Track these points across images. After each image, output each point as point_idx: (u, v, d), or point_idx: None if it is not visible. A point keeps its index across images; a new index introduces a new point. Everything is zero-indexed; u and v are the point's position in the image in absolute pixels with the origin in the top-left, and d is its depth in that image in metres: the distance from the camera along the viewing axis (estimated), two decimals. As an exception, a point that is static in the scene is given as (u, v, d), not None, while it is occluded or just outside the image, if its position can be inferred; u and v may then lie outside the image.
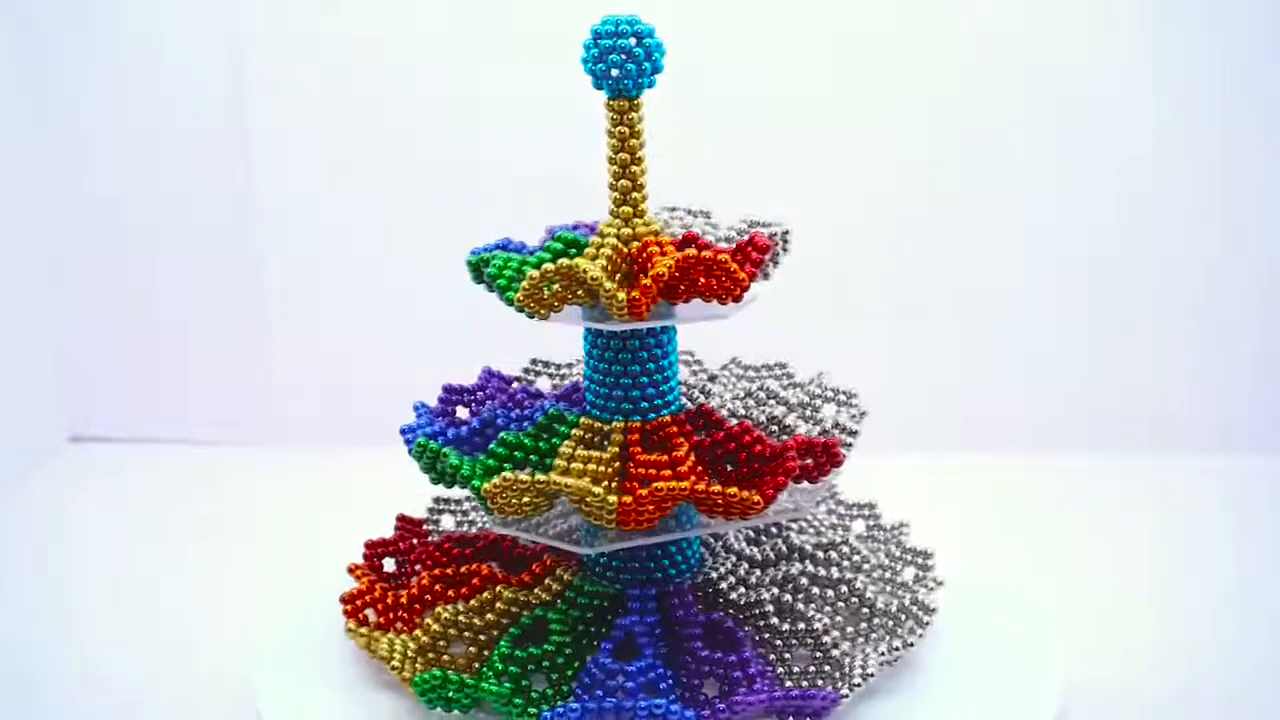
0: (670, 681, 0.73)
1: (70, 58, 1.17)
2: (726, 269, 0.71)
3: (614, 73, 0.72)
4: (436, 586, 0.82)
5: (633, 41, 0.72)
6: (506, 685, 0.74)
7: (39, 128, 1.19)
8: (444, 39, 1.16)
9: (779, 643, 0.76)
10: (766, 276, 0.76)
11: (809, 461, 0.75)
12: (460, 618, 0.78)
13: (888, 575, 0.82)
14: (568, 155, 1.14)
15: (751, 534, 0.84)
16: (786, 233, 0.77)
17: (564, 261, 0.72)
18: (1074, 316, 1.18)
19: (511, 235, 0.80)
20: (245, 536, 1.06)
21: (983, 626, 0.81)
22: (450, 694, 0.73)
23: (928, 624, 0.77)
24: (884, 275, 1.18)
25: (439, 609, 0.79)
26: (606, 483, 0.73)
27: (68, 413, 1.25)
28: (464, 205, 1.17)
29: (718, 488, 0.71)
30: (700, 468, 0.74)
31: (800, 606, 0.77)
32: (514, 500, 0.72)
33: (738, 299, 0.72)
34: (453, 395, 0.83)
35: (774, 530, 0.84)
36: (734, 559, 0.81)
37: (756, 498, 0.71)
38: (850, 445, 0.78)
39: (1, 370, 1.18)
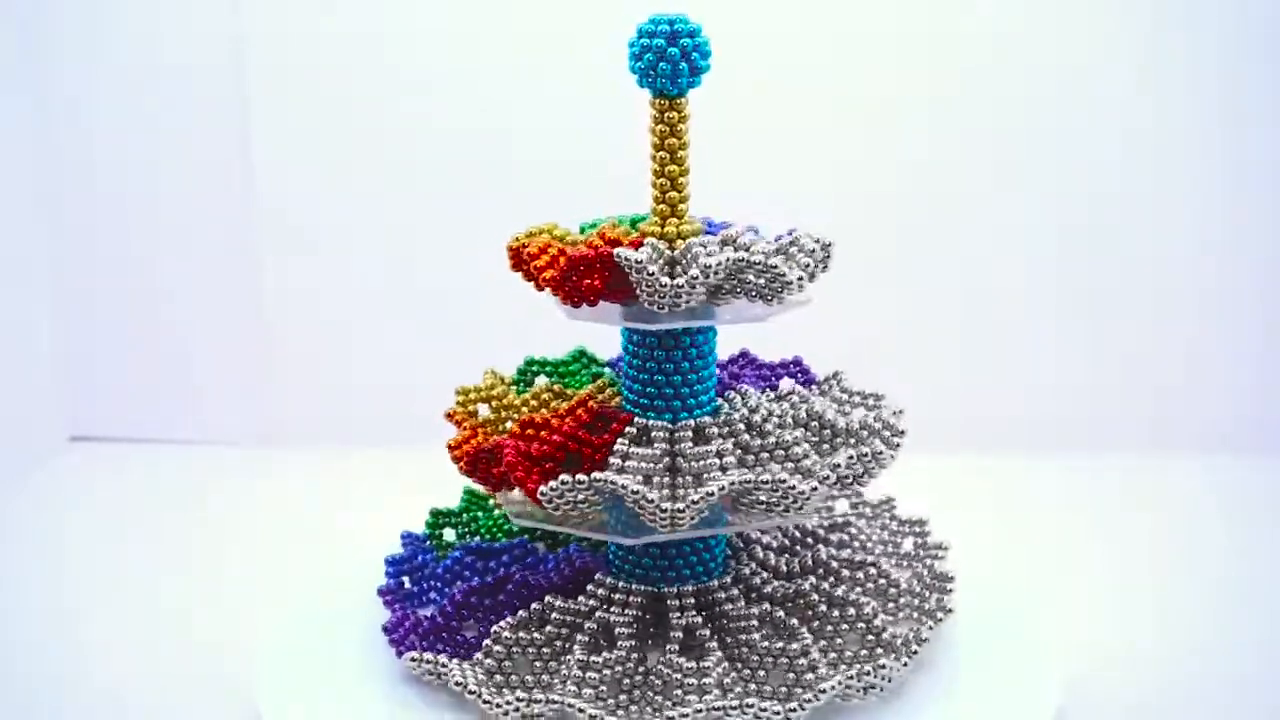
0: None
1: (70, 58, 1.17)
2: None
3: (663, 71, 0.72)
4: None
5: (684, 40, 0.72)
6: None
7: (39, 127, 1.19)
8: (444, 39, 1.16)
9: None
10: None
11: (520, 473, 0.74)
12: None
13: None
14: (569, 154, 1.15)
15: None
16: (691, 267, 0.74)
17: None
18: (1074, 316, 1.18)
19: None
20: (246, 536, 1.06)
21: (983, 626, 0.81)
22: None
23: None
24: (884, 275, 1.18)
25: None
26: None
27: (68, 413, 1.25)
28: (464, 205, 1.17)
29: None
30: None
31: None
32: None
33: (578, 304, 0.72)
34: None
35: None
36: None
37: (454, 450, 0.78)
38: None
39: (1, 370, 1.18)
